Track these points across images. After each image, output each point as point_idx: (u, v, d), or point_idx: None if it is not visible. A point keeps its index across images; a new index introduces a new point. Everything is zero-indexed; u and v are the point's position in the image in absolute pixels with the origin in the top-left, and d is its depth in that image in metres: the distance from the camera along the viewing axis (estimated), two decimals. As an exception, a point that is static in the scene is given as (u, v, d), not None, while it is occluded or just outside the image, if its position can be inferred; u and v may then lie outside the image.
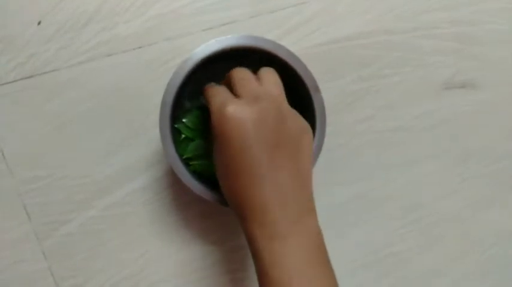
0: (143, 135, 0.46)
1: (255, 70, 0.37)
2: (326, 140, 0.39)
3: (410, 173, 0.49)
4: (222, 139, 0.32)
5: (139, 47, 0.46)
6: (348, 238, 0.48)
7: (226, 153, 0.32)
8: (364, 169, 0.48)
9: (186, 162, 0.40)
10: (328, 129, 0.39)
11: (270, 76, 0.35)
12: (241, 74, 0.35)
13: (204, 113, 0.42)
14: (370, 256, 0.48)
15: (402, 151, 0.48)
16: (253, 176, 0.31)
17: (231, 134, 0.31)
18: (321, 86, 0.39)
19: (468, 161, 0.49)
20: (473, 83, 0.49)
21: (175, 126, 0.41)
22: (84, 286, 0.46)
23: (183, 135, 0.41)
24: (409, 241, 0.49)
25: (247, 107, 0.31)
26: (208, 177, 0.41)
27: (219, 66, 0.41)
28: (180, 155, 0.39)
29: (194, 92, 0.41)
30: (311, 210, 0.32)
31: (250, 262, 0.47)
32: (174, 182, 0.46)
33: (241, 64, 0.41)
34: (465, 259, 0.49)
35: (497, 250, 0.50)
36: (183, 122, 0.41)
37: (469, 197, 0.49)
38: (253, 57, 0.39)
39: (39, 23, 0.45)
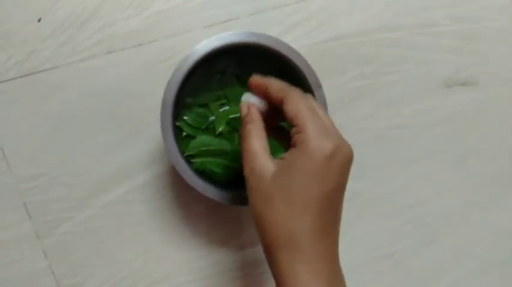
0: (143, 133, 0.46)
1: (256, 67, 0.37)
2: (327, 137, 0.39)
3: (410, 171, 0.49)
4: (308, 174, 0.29)
5: (140, 45, 0.45)
6: (346, 237, 0.48)
7: (300, 186, 0.29)
8: (363, 166, 0.48)
9: (188, 159, 0.40)
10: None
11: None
12: (309, 103, 0.32)
13: (205, 111, 0.42)
14: (369, 254, 0.48)
15: (402, 148, 0.48)
16: (304, 211, 0.29)
17: (334, 174, 0.30)
18: (322, 84, 0.39)
19: (468, 159, 0.49)
20: (474, 80, 0.49)
21: (177, 124, 0.40)
22: (85, 284, 0.46)
23: (184, 133, 0.41)
24: (407, 240, 0.49)
25: (348, 148, 0.31)
26: (210, 175, 0.41)
27: (220, 63, 0.41)
28: (182, 153, 0.39)
29: (195, 89, 0.41)
30: (336, 241, 0.33)
31: (251, 261, 0.47)
32: (174, 180, 0.46)
33: (243, 61, 0.41)
34: (464, 258, 0.49)
35: (496, 249, 0.50)
36: (184, 119, 0.41)
37: (468, 196, 0.49)
38: (254, 54, 0.39)
39: (39, 20, 0.45)
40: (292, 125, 0.31)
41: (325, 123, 0.31)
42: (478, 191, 0.49)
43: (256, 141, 0.32)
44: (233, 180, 0.41)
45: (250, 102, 0.34)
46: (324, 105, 0.39)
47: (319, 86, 0.38)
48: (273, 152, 0.40)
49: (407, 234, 0.48)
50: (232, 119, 0.41)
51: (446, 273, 0.49)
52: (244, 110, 0.34)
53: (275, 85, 0.33)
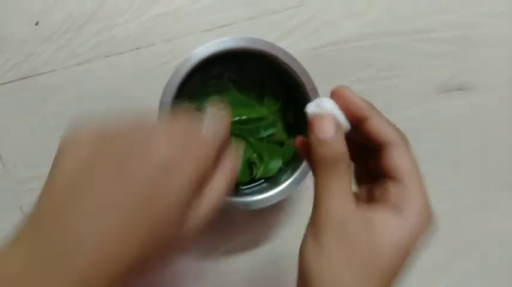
0: (141, 137, 0.46)
1: (253, 73, 0.37)
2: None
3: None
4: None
5: (137, 48, 0.45)
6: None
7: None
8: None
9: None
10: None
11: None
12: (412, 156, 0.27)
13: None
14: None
15: (399, 153, 0.49)
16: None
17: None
18: (319, 89, 0.39)
19: (466, 162, 0.49)
20: (470, 85, 0.49)
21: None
22: None
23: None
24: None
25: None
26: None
27: (217, 68, 0.41)
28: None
29: (192, 93, 0.41)
30: None
31: (245, 265, 0.47)
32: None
33: (240, 66, 0.42)
34: (463, 260, 0.49)
35: (495, 250, 0.50)
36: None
37: (467, 198, 0.49)
38: (251, 59, 0.39)
39: (36, 24, 0.45)
40: (382, 173, 0.25)
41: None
42: (476, 193, 0.50)
43: (346, 184, 0.25)
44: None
45: (336, 117, 0.25)
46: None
47: (316, 92, 0.38)
48: (268, 158, 0.40)
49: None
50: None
51: (446, 274, 0.49)
52: (328, 130, 0.24)
53: (380, 119, 0.26)
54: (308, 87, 0.38)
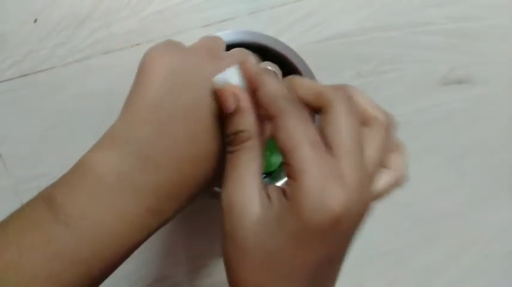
0: (141, 133, 0.46)
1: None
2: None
3: (408, 169, 0.49)
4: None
5: (137, 44, 0.45)
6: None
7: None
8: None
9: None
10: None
11: None
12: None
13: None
14: (368, 252, 0.48)
15: (400, 147, 0.49)
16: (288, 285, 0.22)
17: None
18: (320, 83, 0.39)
19: (466, 156, 0.49)
20: (470, 78, 0.49)
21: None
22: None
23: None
24: (406, 237, 0.49)
25: (363, 207, 0.23)
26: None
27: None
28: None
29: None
30: None
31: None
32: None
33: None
34: (464, 255, 0.49)
35: (496, 245, 0.50)
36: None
37: (467, 193, 0.49)
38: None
39: (35, 21, 0.44)
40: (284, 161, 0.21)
41: (339, 165, 0.21)
42: (477, 188, 0.50)
43: (250, 165, 0.23)
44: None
45: (238, 91, 0.23)
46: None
47: (317, 85, 0.38)
48: (270, 153, 0.39)
49: (407, 232, 0.48)
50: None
51: (446, 271, 0.49)
52: (230, 103, 0.23)
53: (269, 90, 0.22)
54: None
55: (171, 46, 0.27)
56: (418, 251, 0.49)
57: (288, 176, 0.21)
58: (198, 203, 0.46)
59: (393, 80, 0.48)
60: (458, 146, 0.49)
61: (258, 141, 0.23)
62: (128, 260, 0.48)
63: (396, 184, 0.25)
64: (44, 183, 0.26)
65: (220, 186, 0.33)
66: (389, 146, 0.25)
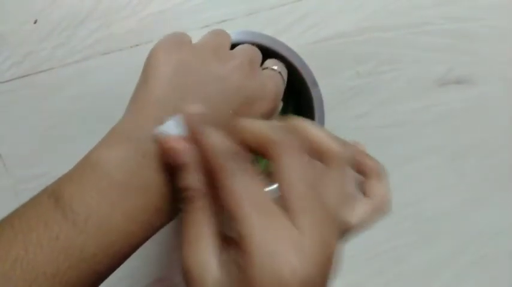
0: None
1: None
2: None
3: (406, 169, 0.49)
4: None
5: (137, 45, 0.45)
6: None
7: None
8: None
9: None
10: (325, 125, 0.39)
11: None
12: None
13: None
14: (367, 252, 0.49)
15: (398, 146, 0.49)
16: None
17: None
18: (318, 83, 0.39)
19: (464, 156, 0.50)
20: (468, 78, 0.49)
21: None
22: None
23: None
24: (406, 237, 0.49)
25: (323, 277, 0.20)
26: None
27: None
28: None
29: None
30: None
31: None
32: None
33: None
34: (463, 255, 0.50)
35: (494, 245, 0.50)
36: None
37: (465, 193, 0.50)
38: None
39: (35, 22, 0.45)
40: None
41: (294, 223, 0.19)
42: (476, 188, 0.50)
43: (202, 226, 0.21)
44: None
45: (179, 144, 0.22)
46: (321, 103, 0.39)
47: (316, 85, 0.38)
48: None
49: (406, 231, 0.49)
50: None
51: (445, 270, 0.49)
52: (171, 158, 0.22)
53: (211, 144, 0.21)
54: (308, 81, 0.38)
55: (177, 43, 0.27)
56: (418, 250, 0.49)
57: (237, 243, 0.19)
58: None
59: (392, 80, 0.48)
60: (457, 146, 0.50)
61: (207, 200, 0.21)
62: (129, 259, 0.48)
63: (377, 211, 0.25)
64: (44, 183, 0.26)
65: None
66: (357, 176, 0.24)
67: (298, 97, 0.39)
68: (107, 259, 0.23)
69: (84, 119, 0.45)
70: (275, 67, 0.32)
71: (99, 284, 0.24)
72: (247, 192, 0.19)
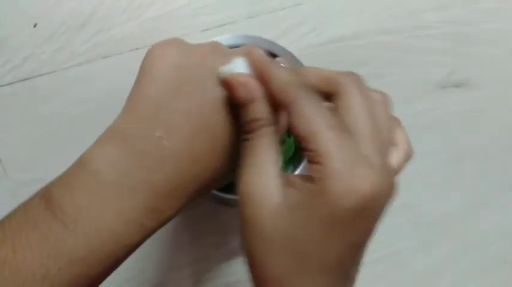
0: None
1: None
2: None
3: (407, 172, 0.49)
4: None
5: (136, 49, 0.45)
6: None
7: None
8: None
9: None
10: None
11: None
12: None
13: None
14: (369, 255, 0.48)
15: (399, 150, 0.49)
16: (318, 272, 0.22)
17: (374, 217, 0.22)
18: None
19: (465, 159, 0.49)
20: (468, 82, 0.49)
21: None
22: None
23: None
24: (407, 240, 0.49)
25: (390, 190, 0.22)
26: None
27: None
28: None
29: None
30: None
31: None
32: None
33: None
34: (464, 257, 0.49)
35: (496, 248, 0.50)
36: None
37: (467, 196, 0.49)
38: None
39: (35, 25, 0.45)
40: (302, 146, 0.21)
41: (361, 147, 0.21)
42: (476, 191, 0.50)
43: (267, 152, 0.22)
44: (231, 183, 0.41)
45: (249, 79, 0.23)
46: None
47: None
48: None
49: (406, 236, 0.48)
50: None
51: (446, 273, 0.49)
52: (242, 92, 0.23)
53: (280, 78, 0.22)
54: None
55: (174, 42, 0.27)
56: (418, 253, 0.49)
57: (311, 162, 0.20)
58: (201, 207, 0.46)
59: (392, 83, 0.48)
60: (457, 148, 0.49)
61: (273, 128, 0.23)
62: (131, 262, 0.48)
63: (407, 158, 0.26)
64: (43, 186, 0.26)
65: (219, 189, 0.33)
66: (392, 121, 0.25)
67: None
68: (97, 262, 0.23)
69: (84, 122, 0.45)
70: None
71: None
72: (320, 114, 0.21)
